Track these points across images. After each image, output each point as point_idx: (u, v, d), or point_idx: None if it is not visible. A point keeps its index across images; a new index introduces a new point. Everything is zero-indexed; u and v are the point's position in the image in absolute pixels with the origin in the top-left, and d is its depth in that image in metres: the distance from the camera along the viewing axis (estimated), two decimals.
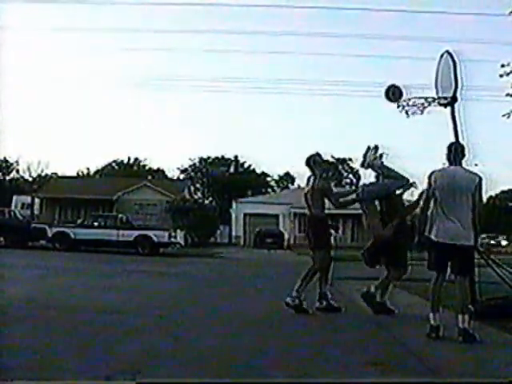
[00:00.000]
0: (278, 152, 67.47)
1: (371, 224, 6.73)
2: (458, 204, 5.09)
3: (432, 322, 5.09)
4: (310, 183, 6.65)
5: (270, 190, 58.08)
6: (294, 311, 6.27)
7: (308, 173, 6.76)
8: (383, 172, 6.75)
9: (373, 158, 6.70)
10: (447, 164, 5.33)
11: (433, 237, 5.16)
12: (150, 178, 49.69)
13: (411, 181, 6.76)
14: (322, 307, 6.41)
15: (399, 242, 6.46)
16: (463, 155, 5.34)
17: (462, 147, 5.49)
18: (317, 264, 6.44)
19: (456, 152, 5.31)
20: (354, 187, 7.04)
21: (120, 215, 23.37)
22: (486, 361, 4.35)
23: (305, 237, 6.76)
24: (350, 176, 58.65)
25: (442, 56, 7.24)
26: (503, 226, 45.10)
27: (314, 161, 6.67)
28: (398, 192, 6.80)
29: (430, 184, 5.24)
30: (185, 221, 28.32)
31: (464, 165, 5.36)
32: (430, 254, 5.26)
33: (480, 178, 5.19)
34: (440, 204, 5.14)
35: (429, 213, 5.25)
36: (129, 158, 60.25)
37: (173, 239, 21.59)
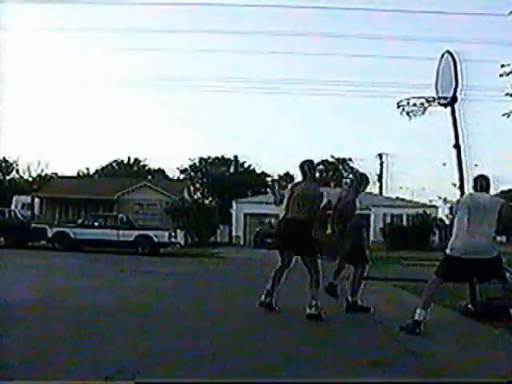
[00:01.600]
0: (278, 152, 67.45)
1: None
2: (482, 222, 5.54)
3: (417, 317, 5.37)
4: (309, 188, 6.43)
5: (269, 190, 58.03)
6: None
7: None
8: None
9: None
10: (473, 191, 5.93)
11: (456, 252, 5.55)
12: (150, 177, 49.65)
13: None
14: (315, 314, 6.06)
15: (347, 244, 6.75)
16: (488, 187, 5.85)
17: (487, 180, 5.92)
18: (317, 267, 6.35)
19: (481, 184, 5.85)
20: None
21: (120, 215, 23.34)
22: (486, 361, 4.36)
23: (291, 242, 6.43)
24: (350, 176, 58.66)
25: (442, 56, 7.24)
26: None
27: (309, 167, 6.53)
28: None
29: (457, 204, 5.83)
30: (185, 221, 28.29)
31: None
32: (445, 263, 5.66)
33: (504, 202, 5.72)
34: (466, 221, 5.58)
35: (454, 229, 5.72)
36: (129, 158, 60.20)
37: (173, 239, 21.57)
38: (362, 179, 7.39)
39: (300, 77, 73.53)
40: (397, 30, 63.55)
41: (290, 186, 6.76)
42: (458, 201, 5.92)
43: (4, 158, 44.87)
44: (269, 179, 60.26)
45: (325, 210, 6.77)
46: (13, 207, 29.90)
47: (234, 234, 37.50)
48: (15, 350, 4.08)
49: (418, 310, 5.39)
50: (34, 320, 5.48)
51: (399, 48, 59.25)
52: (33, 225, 22.89)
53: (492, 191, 5.99)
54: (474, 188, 5.91)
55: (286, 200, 6.49)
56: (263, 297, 6.41)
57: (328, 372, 3.93)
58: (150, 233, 21.21)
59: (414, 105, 7.54)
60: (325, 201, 6.76)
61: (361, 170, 53.53)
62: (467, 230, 5.52)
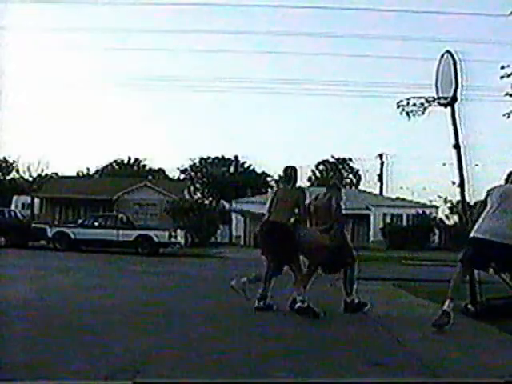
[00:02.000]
0: (278, 152, 67.33)
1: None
2: (507, 212, 5.69)
3: (446, 307, 5.42)
4: (291, 191, 6.55)
5: (269, 190, 57.99)
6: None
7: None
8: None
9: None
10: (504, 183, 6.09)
11: (479, 233, 5.70)
12: (150, 177, 49.65)
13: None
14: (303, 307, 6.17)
15: (331, 245, 6.54)
16: None
17: None
18: (299, 266, 6.45)
19: None
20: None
21: (120, 215, 23.33)
22: (486, 360, 4.35)
23: (275, 247, 6.49)
24: (350, 176, 58.67)
25: (442, 56, 7.23)
26: None
27: (294, 175, 6.65)
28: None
29: (488, 194, 5.93)
30: (185, 221, 28.29)
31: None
32: (468, 246, 5.80)
33: None
34: (493, 209, 5.75)
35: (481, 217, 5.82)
36: (129, 158, 60.18)
37: (173, 239, 21.56)
38: (338, 187, 7.30)
39: (300, 77, 73.43)
40: (397, 30, 63.49)
41: (272, 189, 6.86)
42: (490, 190, 5.99)
43: (4, 158, 44.88)
44: (269, 179, 60.42)
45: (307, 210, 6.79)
46: (13, 207, 29.94)
47: (234, 233, 37.51)
48: (15, 350, 4.08)
49: (447, 302, 5.48)
50: (33, 320, 5.47)
51: (399, 48, 59.15)
52: (33, 225, 22.90)
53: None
54: (506, 181, 6.07)
55: (268, 203, 6.59)
56: (257, 302, 6.51)
57: (328, 372, 3.93)
58: (150, 233, 21.21)
59: (414, 105, 7.54)
60: (307, 201, 6.77)
61: (362, 170, 53.47)
62: (492, 215, 5.71)
